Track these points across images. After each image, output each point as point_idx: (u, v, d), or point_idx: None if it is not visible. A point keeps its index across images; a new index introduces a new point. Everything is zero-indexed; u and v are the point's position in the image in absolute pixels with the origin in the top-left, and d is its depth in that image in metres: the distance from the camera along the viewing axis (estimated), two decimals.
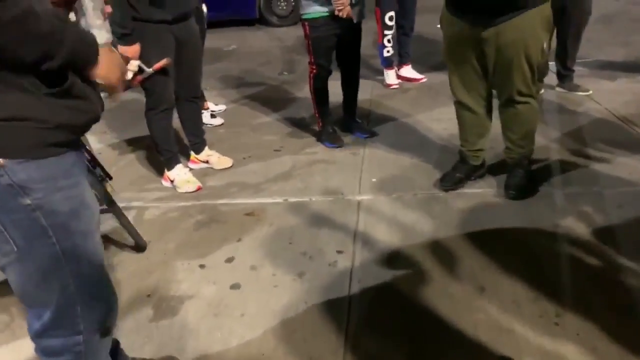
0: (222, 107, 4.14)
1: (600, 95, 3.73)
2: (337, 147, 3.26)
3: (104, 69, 1.05)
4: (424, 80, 4.54)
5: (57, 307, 1.09)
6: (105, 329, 1.22)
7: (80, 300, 1.11)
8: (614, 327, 1.64)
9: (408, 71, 4.61)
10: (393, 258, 2.12)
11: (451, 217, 2.37)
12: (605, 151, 2.86)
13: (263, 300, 1.93)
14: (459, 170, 2.65)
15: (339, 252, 2.19)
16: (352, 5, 3.01)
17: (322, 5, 2.98)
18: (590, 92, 3.79)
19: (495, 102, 2.53)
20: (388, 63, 4.50)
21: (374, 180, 2.81)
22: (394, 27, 4.32)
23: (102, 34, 1.09)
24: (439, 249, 2.14)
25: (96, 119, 1.09)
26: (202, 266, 2.18)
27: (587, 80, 3.96)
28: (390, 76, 4.53)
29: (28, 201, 0.97)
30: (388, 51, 4.41)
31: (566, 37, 3.70)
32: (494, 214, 2.37)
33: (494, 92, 2.52)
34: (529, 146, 2.54)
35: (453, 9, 2.34)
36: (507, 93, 2.40)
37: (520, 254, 2.07)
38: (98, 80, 1.07)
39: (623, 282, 1.85)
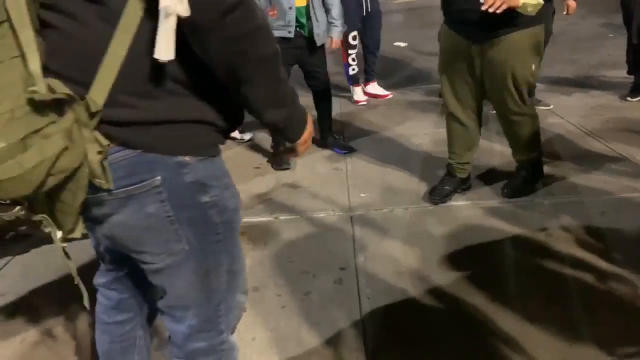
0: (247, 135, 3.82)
1: (561, 110, 3.94)
2: (286, 170, 3.17)
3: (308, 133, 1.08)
4: (390, 96, 4.62)
5: (208, 307, 1.06)
6: (234, 328, 1.19)
7: (226, 298, 1.08)
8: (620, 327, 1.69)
9: (374, 88, 4.69)
10: (397, 273, 2.10)
11: (445, 231, 2.39)
12: (577, 162, 3.00)
13: (273, 323, 1.85)
14: (447, 184, 2.69)
15: (342, 268, 2.15)
16: (311, 31, 3.05)
17: (275, 29, 2.92)
18: (552, 106, 3.99)
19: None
20: (354, 81, 4.57)
21: (362, 195, 2.79)
22: (358, 45, 4.40)
23: None
24: (440, 263, 2.15)
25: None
26: None
27: (546, 95, 4.18)
28: (357, 93, 4.59)
29: (207, 198, 0.97)
30: (353, 69, 4.50)
31: None
32: (485, 224, 2.41)
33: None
34: (531, 153, 2.62)
35: (450, 22, 2.41)
36: (500, 109, 2.49)
37: (515, 266, 2.11)
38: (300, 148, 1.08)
39: (618, 289, 1.92)
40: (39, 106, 0.76)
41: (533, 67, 2.35)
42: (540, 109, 3.92)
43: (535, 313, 1.80)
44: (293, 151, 1.08)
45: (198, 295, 1.04)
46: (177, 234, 0.96)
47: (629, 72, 4.14)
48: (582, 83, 4.59)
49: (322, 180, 3.02)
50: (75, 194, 0.86)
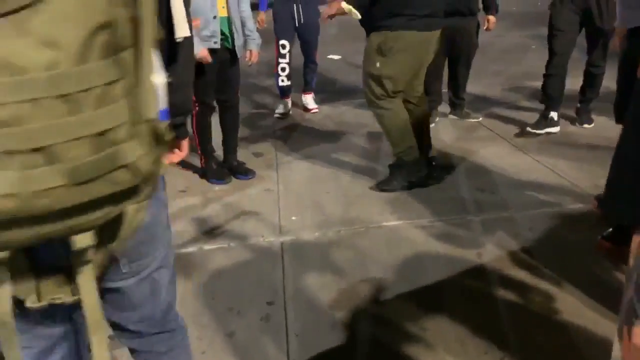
0: None
1: (489, 122, 4.01)
2: (225, 184, 3.10)
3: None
4: (316, 110, 4.52)
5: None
6: None
7: None
8: (547, 345, 1.67)
9: (308, 100, 4.60)
10: (327, 305, 1.99)
11: (378, 253, 2.32)
12: (506, 176, 3.04)
13: None
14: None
15: (269, 303, 2.01)
16: (233, 42, 2.93)
17: (202, 40, 2.76)
18: (480, 118, 4.05)
19: None
20: (282, 92, 4.45)
21: (294, 218, 2.68)
22: (288, 55, 4.31)
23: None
24: (373, 289, 2.06)
25: None
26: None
27: (475, 107, 4.25)
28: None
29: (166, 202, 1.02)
30: (282, 80, 4.38)
31: (457, 68, 3.93)
32: (418, 246, 2.36)
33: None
34: (394, 148, 2.91)
35: None
36: None
37: (450, 288, 2.06)
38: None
39: (550, 306, 1.91)
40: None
41: (377, 64, 2.72)
42: (469, 121, 4.02)
43: (470, 336, 1.74)
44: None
45: (171, 300, 1.13)
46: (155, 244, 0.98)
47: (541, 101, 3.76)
48: (509, 95, 4.73)
49: (252, 204, 2.87)
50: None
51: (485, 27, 3.93)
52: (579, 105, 3.79)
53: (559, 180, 2.95)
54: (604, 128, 3.60)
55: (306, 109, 4.57)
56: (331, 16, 2.74)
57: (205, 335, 1.85)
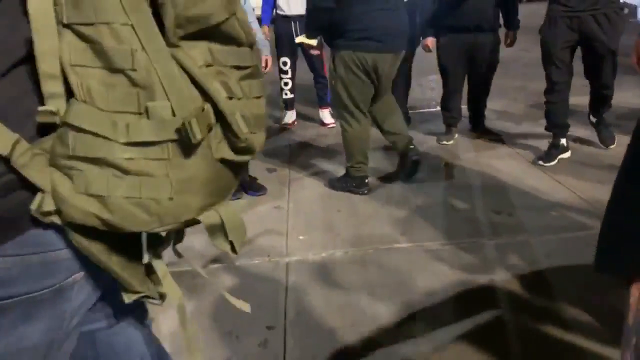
0: None
1: (510, 139, 3.89)
2: (235, 200, 3.06)
3: None
4: (333, 125, 4.47)
5: None
6: None
7: None
8: None
9: (325, 114, 4.56)
10: (330, 329, 1.92)
11: (386, 278, 2.23)
12: (524, 197, 2.92)
13: None
14: None
15: (269, 327, 1.95)
16: None
17: None
18: (501, 136, 3.93)
19: None
20: (286, 104, 4.55)
21: (301, 238, 2.62)
22: (290, 71, 4.37)
23: None
24: (379, 318, 1.98)
25: None
26: None
27: (496, 124, 4.13)
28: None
29: None
30: (286, 93, 4.48)
31: (476, 84, 3.84)
32: (429, 271, 2.27)
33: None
34: (347, 160, 3.11)
35: None
36: None
37: (459, 314, 1.96)
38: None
39: (564, 338, 1.79)
40: None
41: (334, 82, 2.92)
42: (490, 138, 3.90)
43: None
44: None
45: None
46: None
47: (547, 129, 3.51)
48: (532, 111, 4.58)
49: (260, 221, 2.83)
50: None
51: (506, 44, 3.83)
52: (596, 126, 3.55)
53: (580, 202, 2.81)
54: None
55: (323, 124, 4.54)
56: (307, 46, 3.17)
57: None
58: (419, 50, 4.04)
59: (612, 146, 3.52)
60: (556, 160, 3.36)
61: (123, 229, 0.64)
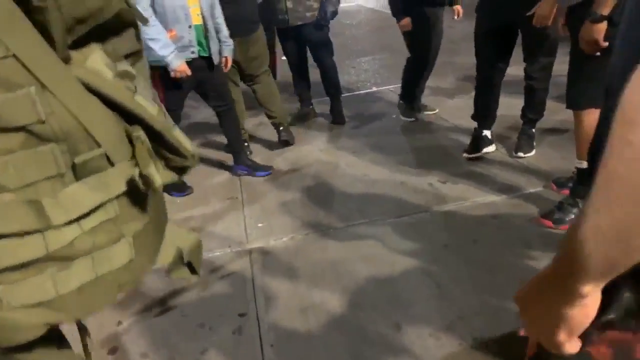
0: None
1: (446, 113, 4.07)
2: (185, 195, 3.06)
3: None
4: None
5: None
6: None
7: None
8: None
9: None
10: (301, 310, 1.97)
11: (348, 253, 2.31)
12: (469, 164, 3.08)
13: None
14: None
15: (241, 315, 1.98)
16: (209, 49, 2.89)
17: (179, 52, 2.72)
18: (437, 110, 4.11)
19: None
20: None
21: (260, 225, 2.64)
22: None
23: None
24: (346, 292, 2.05)
25: None
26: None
27: (431, 100, 4.30)
28: None
29: None
30: None
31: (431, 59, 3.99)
32: (385, 246, 2.37)
33: None
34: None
35: None
36: None
37: (419, 282, 2.08)
38: None
39: None
40: None
41: None
42: (426, 113, 4.07)
43: (443, 331, 1.76)
44: None
45: None
46: None
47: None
48: (462, 85, 4.81)
49: (216, 214, 2.82)
50: None
51: (456, 17, 4.07)
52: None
53: (519, 165, 3.02)
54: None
55: None
56: None
57: (177, 355, 1.80)
58: (350, 34, 4.11)
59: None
60: (481, 153, 3.17)
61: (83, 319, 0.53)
